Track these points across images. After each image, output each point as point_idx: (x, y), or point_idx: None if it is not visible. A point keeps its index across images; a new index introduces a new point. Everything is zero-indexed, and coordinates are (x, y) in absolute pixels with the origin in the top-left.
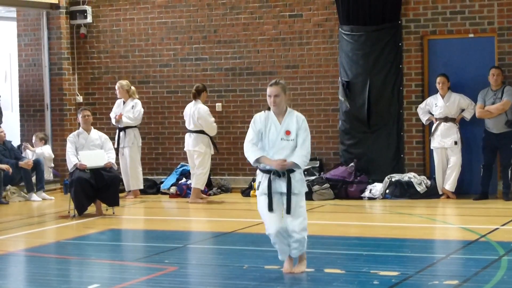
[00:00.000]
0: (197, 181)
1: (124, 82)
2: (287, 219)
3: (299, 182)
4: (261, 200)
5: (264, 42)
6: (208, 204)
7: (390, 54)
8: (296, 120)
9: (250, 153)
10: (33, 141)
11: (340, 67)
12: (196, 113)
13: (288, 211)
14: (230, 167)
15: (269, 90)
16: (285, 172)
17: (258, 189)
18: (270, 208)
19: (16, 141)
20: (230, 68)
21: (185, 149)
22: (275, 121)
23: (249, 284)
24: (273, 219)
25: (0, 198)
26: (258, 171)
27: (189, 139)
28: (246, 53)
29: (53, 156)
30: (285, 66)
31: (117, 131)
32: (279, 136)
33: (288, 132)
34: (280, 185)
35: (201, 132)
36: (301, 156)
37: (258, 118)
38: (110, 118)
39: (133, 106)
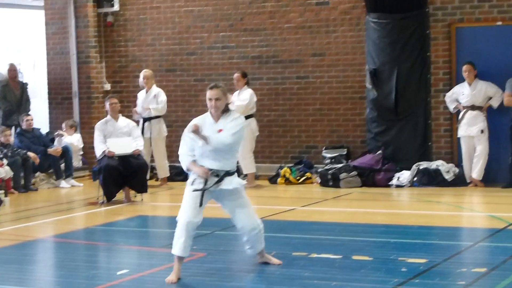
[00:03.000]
0: (250, 165)
1: (150, 70)
2: (237, 216)
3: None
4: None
5: (290, 30)
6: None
7: (418, 42)
8: (231, 119)
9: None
10: (63, 128)
11: (367, 55)
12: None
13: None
14: (257, 155)
15: (209, 94)
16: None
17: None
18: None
19: (44, 129)
20: (257, 56)
21: None
22: (212, 122)
23: (276, 271)
24: (189, 211)
25: (29, 185)
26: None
27: None
28: (273, 41)
29: (82, 145)
30: (312, 54)
31: (142, 120)
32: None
33: (220, 131)
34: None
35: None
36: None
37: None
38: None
39: (155, 95)
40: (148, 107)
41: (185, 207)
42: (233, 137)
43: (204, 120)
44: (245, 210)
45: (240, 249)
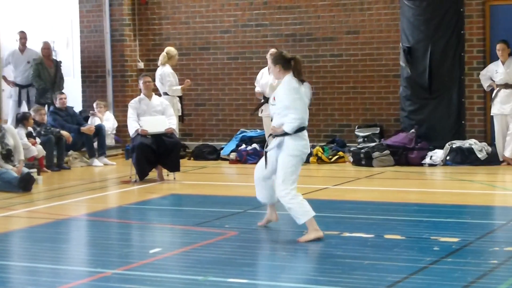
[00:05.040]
0: None
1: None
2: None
3: (288, 147)
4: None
5: (324, 8)
6: None
7: (452, 20)
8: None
9: None
10: (95, 108)
11: (402, 33)
12: None
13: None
14: None
15: None
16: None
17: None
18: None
19: (77, 107)
20: (291, 34)
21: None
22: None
23: (309, 249)
24: (258, 167)
25: (62, 164)
26: None
27: None
28: (307, 18)
29: (115, 124)
30: (346, 32)
31: (179, 98)
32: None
33: (274, 98)
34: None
35: None
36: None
37: None
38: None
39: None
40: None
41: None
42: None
43: None
44: (278, 176)
45: (272, 228)
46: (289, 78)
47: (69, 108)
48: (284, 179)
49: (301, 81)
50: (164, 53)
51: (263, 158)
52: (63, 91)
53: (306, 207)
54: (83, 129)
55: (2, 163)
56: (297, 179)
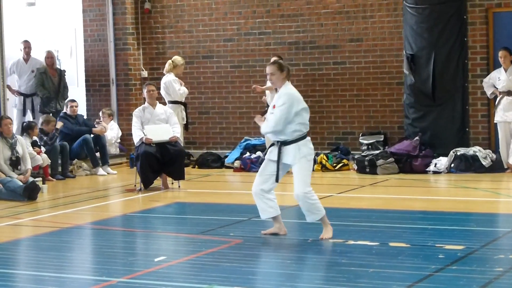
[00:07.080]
0: None
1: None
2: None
3: (291, 154)
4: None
5: (327, 16)
6: None
7: (455, 27)
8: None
9: None
10: (101, 117)
11: (405, 40)
12: None
13: (276, 179)
14: None
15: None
16: (279, 142)
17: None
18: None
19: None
20: (294, 42)
21: None
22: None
23: (313, 257)
24: (256, 181)
25: (66, 172)
26: None
27: None
28: (310, 26)
29: (120, 133)
30: (349, 40)
31: (184, 107)
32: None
33: (274, 106)
34: (274, 154)
35: None
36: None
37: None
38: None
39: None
40: None
41: (256, 176)
42: (276, 111)
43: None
44: (295, 179)
45: (277, 236)
46: (291, 86)
47: (79, 116)
48: (304, 180)
49: None
50: (169, 61)
51: (262, 170)
52: (73, 98)
53: (320, 205)
54: (95, 130)
55: (8, 170)
56: None
